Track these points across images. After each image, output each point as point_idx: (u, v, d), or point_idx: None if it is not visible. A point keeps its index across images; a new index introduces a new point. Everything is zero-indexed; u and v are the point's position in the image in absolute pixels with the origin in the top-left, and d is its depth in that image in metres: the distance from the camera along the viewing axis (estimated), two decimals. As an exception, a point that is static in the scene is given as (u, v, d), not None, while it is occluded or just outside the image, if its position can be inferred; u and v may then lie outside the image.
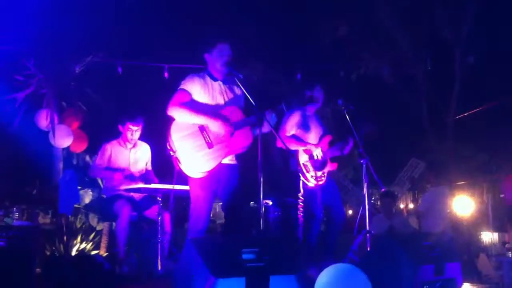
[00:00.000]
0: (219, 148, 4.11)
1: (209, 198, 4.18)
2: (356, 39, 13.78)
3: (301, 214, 5.37)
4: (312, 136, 5.66)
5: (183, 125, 4.10)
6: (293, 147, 5.47)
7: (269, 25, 12.95)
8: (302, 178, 5.45)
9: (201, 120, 4.10)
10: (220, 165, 4.14)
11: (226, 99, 4.30)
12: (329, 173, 5.66)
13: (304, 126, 5.61)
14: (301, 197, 5.38)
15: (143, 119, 5.90)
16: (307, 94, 5.65)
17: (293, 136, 5.55)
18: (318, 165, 5.53)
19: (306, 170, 5.48)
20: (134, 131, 5.88)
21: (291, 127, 5.56)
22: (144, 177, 5.96)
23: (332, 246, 5.61)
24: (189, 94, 4.20)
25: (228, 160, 4.25)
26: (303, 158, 5.51)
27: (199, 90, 4.22)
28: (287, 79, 11.36)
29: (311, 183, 5.46)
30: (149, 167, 6.13)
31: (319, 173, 5.52)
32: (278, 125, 5.42)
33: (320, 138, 5.69)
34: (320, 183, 5.51)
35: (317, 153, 5.57)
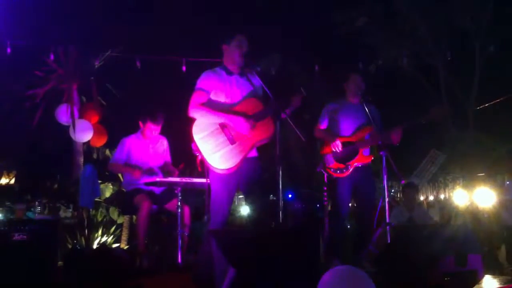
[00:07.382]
0: (241, 142, 4.10)
1: (231, 191, 4.19)
2: (375, 29, 13.67)
3: (327, 206, 5.33)
4: (346, 128, 5.61)
5: (204, 125, 4.10)
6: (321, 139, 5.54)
7: (286, 17, 12.91)
8: (325, 170, 5.46)
9: (222, 119, 4.09)
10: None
11: (244, 93, 4.27)
12: (361, 164, 5.57)
13: (338, 117, 5.60)
14: (325, 190, 5.35)
15: (163, 117, 5.92)
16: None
17: (324, 129, 5.63)
18: (341, 157, 5.49)
19: (327, 162, 5.47)
20: (154, 130, 5.92)
21: (324, 119, 5.63)
22: (164, 169, 5.99)
23: (365, 241, 5.54)
24: (207, 93, 4.18)
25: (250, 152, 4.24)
26: (325, 151, 5.51)
27: (216, 86, 4.20)
28: (305, 71, 11.30)
29: (334, 175, 5.45)
30: (168, 159, 6.16)
31: (343, 165, 5.50)
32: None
33: (355, 130, 5.63)
34: (343, 175, 5.48)
35: (337, 147, 5.51)
